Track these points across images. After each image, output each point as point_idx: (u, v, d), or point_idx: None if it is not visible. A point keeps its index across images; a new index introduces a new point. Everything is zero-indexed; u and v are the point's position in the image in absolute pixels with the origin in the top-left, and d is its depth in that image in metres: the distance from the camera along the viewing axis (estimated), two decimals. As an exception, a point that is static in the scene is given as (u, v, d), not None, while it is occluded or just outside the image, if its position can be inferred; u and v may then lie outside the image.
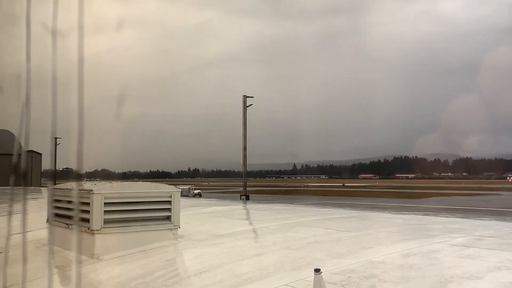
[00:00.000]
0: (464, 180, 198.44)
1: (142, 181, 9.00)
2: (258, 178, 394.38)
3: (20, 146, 2.45)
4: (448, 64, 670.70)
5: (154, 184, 8.07)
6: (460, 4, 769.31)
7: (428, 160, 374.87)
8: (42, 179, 78.64)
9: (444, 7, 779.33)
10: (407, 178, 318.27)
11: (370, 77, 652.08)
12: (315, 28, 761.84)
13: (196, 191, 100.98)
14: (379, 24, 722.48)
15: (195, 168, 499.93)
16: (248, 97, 51.78)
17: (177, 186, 9.38)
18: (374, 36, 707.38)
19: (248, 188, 54.88)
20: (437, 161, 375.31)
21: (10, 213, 2.71)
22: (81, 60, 1.85)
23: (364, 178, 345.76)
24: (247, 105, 51.50)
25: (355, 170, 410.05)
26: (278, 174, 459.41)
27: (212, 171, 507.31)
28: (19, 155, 2.42)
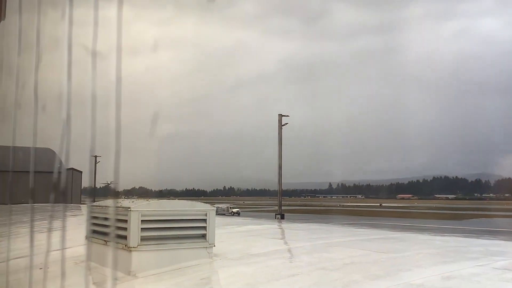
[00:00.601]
0: (506, 202, 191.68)
1: (178, 199, 9.08)
2: (293, 197, 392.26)
3: (61, 163, 2.51)
4: (488, 83, 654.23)
5: (189, 202, 8.12)
6: (500, 22, 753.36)
7: (469, 181, 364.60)
8: (82, 196, 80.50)
9: (483, 25, 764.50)
10: (447, 199, 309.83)
11: (407, 96, 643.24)
12: (349, 48, 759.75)
13: (234, 210, 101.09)
14: (415, 43, 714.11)
15: (230, 187, 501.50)
16: (284, 116, 51.88)
17: (214, 205, 9.42)
18: (410, 55, 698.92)
19: (283, 207, 54.62)
20: (478, 181, 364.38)
21: (50, 230, 2.77)
22: (119, 80, 1.91)
23: (402, 198, 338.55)
24: (282, 124, 51.57)
25: (392, 190, 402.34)
26: (314, 193, 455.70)
27: (247, 189, 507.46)
28: (59, 172, 2.49)
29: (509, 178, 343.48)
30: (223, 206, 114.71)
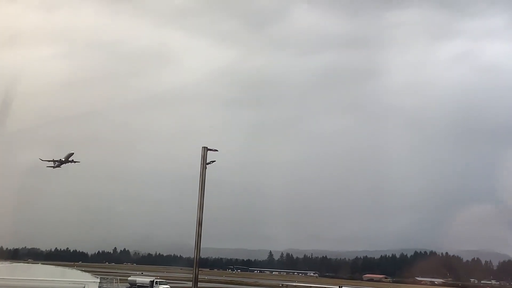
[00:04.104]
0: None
1: (42, 264, 8.77)
2: (216, 270, 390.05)
3: None
4: (493, 124, 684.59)
5: (60, 269, 7.88)
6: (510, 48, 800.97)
7: (464, 260, 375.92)
8: None
9: (489, 50, 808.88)
10: (433, 284, 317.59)
11: (383, 135, 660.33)
12: (312, 64, 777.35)
13: (162, 286, 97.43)
14: (399, 66, 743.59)
15: (124, 249, 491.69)
16: (210, 150, 51.82)
17: (130, 277, 9.08)
18: (391, 82, 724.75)
19: (201, 284, 53.98)
20: (476, 261, 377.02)
21: None
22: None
23: (371, 279, 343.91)
24: (207, 161, 51.45)
25: (358, 266, 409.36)
26: (247, 265, 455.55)
27: (149, 254, 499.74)
28: None
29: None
30: (145, 280, 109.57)
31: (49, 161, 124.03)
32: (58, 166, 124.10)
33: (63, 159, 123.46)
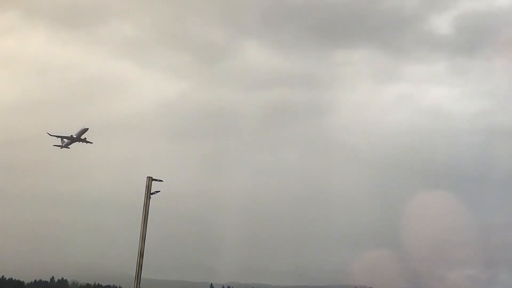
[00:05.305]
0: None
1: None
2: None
3: None
4: (431, 168, 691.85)
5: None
6: (453, 93, 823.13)
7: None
8: None
9: (431, 94, 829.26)
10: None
11: (327, 171, 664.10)
12: (261, 99, 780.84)
13: None
14: (345, 104, 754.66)
15: (62, 278, 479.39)
16: (155, 180, 51.37)
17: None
18: (337, 119, 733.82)
19: (139, 316, 52.94)
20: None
21: None
22: None
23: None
24: (151, 191, 50.95)
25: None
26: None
27: (88, 284, 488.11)
28: None
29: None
30: None
31: (57, 136, 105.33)
32: (67, 146, 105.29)
33: (75, 136, 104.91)
